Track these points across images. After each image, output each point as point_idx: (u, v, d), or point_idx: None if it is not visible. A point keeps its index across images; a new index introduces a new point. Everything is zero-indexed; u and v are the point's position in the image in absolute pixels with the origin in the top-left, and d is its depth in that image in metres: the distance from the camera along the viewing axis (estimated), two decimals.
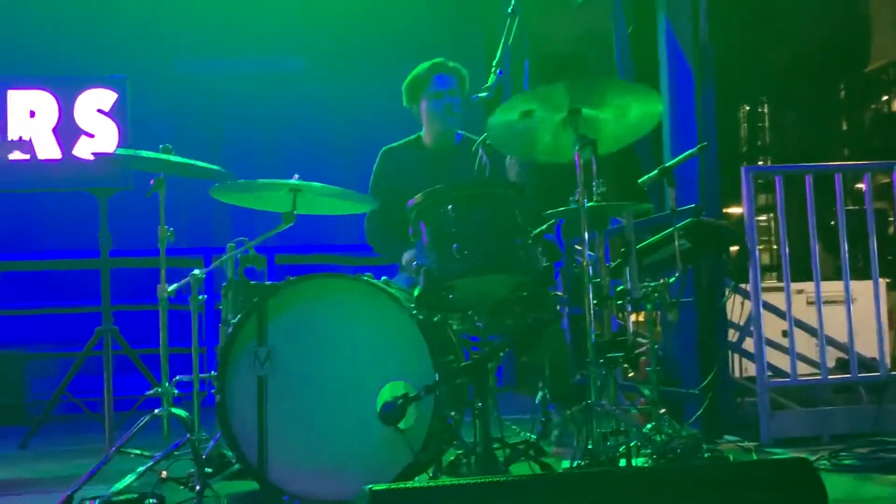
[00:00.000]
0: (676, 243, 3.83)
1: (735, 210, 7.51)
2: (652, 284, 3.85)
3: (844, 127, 13.65)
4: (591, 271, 3.54)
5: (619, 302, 3.74)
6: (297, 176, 3.88)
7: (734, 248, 5.44)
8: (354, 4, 8.12)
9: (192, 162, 4.08)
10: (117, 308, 6.31)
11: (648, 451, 3.65)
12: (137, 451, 4.06)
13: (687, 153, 4.04)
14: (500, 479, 2.54)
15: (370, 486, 2.28)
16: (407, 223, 3.71)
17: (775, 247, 12.36)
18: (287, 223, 3.92)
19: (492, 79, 4.09)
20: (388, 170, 4.70)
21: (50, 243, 7.76)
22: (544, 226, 3.76)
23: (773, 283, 6.22)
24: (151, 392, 4.10)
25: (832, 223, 5.60)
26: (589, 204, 3.56)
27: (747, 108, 14.24)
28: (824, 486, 2.26)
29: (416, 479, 3.56)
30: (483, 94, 4.10)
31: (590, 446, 3.42)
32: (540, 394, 4.05)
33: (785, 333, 5.50)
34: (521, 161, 4.32)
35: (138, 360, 5.93)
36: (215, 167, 4.14)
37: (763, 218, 11.92)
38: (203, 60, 8.43)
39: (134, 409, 6.10)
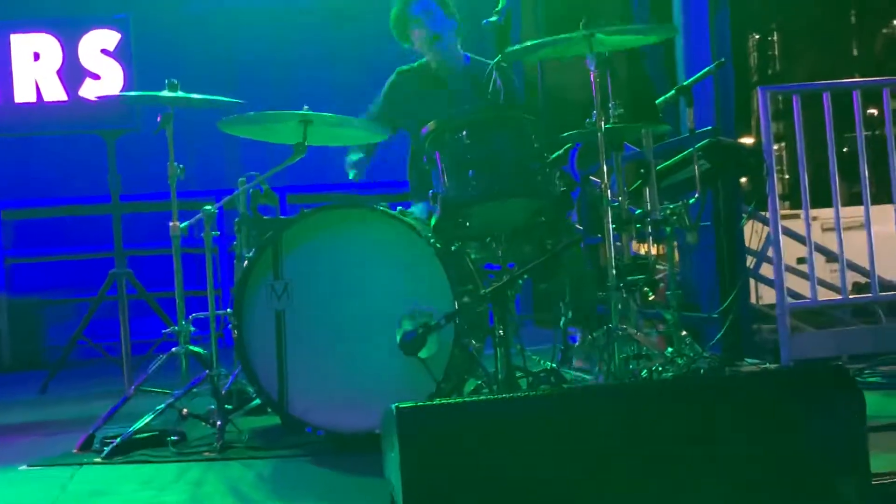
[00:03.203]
0: (696, 164, 3.77)
1: (745, 140, 7.43)
2: (671, 206, 3.79)
3: (855, 52, 13.48)
4: (609, 195, 3.50)
5: (638, 225, 3.68)
6: (306, 107, 3.81)
7: (744, 179, 5.38)
8: None
9: (201, 96, 4.02)
10: (130, 253, 6.30)
11: (670, 373, 3.63)
12: (157, 390, 4.06)
13: (705, 70, 3.97)
14: (525, 394, 2.50)
15: (396, 404, 2.24)
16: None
17: (787, 176, 12.27)
18: (298, 155, 3.85)
19: (502, 3, 4.01)
20: (401, 93, 4.59)
21: (59, 188, 7.71)
22: (561, 150, 3.72)
23: (786, 210, 6.17)
24: (169, 330, 4.09)
25: (844, 149, 5.52)
26: (606, 126, 3.50)
27: (757, 36, 14.06)
28: (862, 393, 2.22)
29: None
30: (494, 19, 4.03)
31: (612, 370, 3.40)
32: (563, 319, 4.01)
33: (800, 260, 5.47)
34: None
35: (154, 302, 5.91)
36: (224, 98, 4.08)
37: (774, 147, 11.81)
38: None
39: (151, 352, 6.10)
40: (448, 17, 4.52)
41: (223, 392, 3.83)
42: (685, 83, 3.85)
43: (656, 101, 3.98)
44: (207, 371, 3.87)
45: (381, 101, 4.64)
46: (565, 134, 3.61)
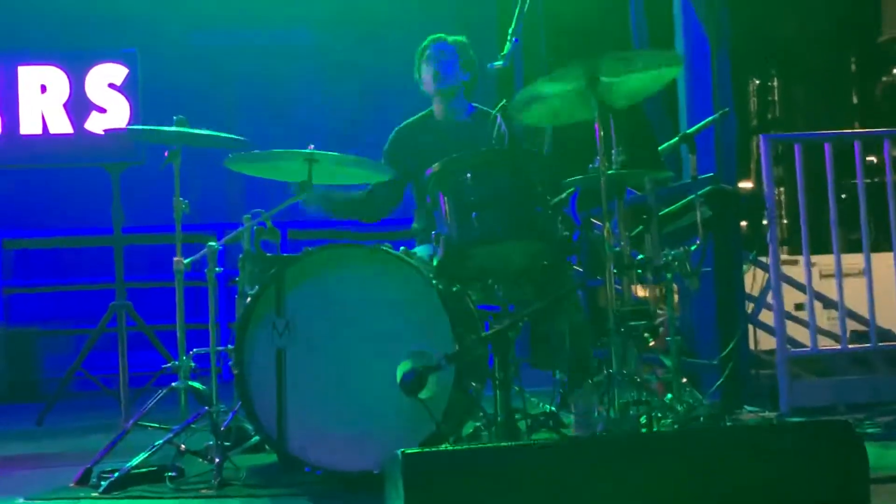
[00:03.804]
0: (698, 211, 3.79)
1: (744, 185, 7.47)
2: (672, 253, 3.81)
3: (855, 100, 13.56)
4: (611, 240, 3.51)
5: (639, 271, 3.70)
6: (312, 146, 3.85)
7: (744, 224, 5.41)
8: None
9: (207, 132, 4.05)
10: (131, 285, 6.30)
11: (670, 420, 3.63)
12: (155, 425, 4.05)
13: (709, 119, 4.00)
14: (530, 443, 2.50)
15: (402, 450, 2.25)
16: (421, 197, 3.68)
17: (786, 220, 12.31)
18: (303, 193, 3.88)
19: (507, 47, 4.05)
20: (402, 149, 4.63)
21: (63, 220, 7.74)
22: (563, 194, 3.74)
23: (784, 256, 6.19)
24: (169, 365, 4.09)
25: (843, 196, 5.55)
26: (609, 172, 3.52)
27: (757, 81, 14.15)
28: (865, 449, 2.23)
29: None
30: (498, 63, 4.06)
31: (612, 415, 3.40)
32: (561, 363, 4.01)
33: (798, 306, 5.48)
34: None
35: (153, 335, 5.91)
36: (232, 136, 4.11)
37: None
38: (215, 34, 8.36)
39: (149, 385, 6.08)
40: (461, 69, 4.56)
41: (222, 429, 3.82)
42: (689, 131, 3.89)
43: (659, 148, 4.01)
44: (207, 407, 3.87)
45: (384, 160, 4.66)
46: (568, 179, 3.62)
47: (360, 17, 8.35)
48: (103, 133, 5.58)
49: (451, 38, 4.64)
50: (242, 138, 4.16)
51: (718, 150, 5.01)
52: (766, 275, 5.09)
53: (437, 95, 4.62)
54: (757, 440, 2.30)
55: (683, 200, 3.99)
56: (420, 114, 4.73)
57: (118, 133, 5.26)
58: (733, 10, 5.24)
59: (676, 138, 3.90)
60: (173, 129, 4.02)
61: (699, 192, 3.87)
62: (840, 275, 4.97)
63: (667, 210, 4.02)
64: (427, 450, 2.31)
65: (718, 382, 4.45)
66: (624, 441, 2.60)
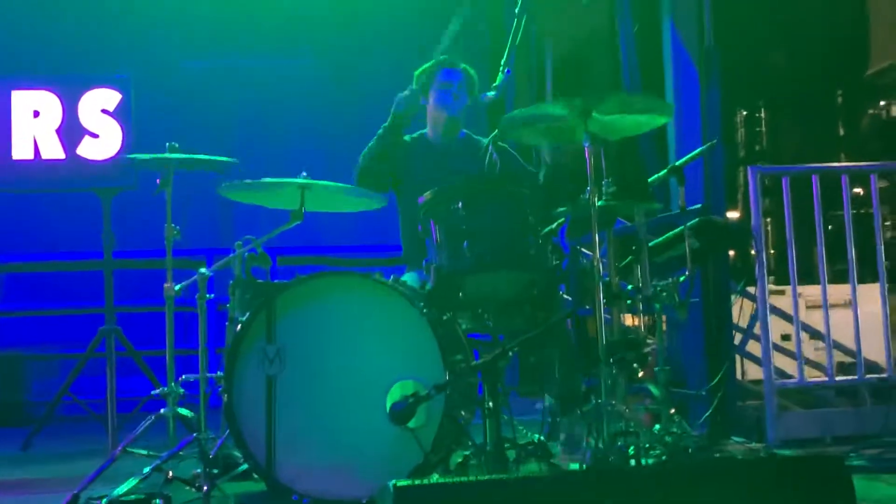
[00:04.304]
0: (687, 242, 3.82)
1: (731, 214, 7.52)
2: (661, 284, 3.83)
3: (842, 132, 13.67)
4: (600, 270, 3.54)
5: (628, 301, 3.72)
6: (305, 173, 3.87)
7: (732, 254, 5.45)
8: (361, 3, 8.10)
9: (201, 156, 4.08)
10: (120, 309, 6.29)
11: (658, 451, 3.64)
12: (143, 452, 4.04)
13: (697, 151, 4.05)
14: (521, 476, 2.52)
15: (394, 482, 2.25)
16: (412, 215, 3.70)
17: (773, 251, 12.37)
18: (295, 220, 3.90)
19: (499, 78, 4.09)
20: (398, 149, 4.62)
21: (54, 244, 7.73)
22: (554, 224, 3.77)
23: (770, 286, 6.22)
24: (157, 391, 4.09)
25: (829, 227, 5.59)
26: (599, 203, 3.56)
27: (745, 113, 14.26)
28: (853, 484, 2.25)
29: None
30: (490, 94, 4.11)
31: (600, 446, 3.41)
32: (547, 397, 4.04)
33: (784, 337, 5.51)
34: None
35: (142, 361, 5.90)
36: (224, 158, 4.13)
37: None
38: (209, 59, 8.41)
39: (136, 411, 6.07)
40: (467, 95, 4.59)
41: (210, 456, 3.82)
42: (677, 163, 3.92)
43: (649, 180, 4.04)
44: (195, 434, 3.87)
45: (376, 148, 4.60)
46: (559, 210, 3.66)
47: (352, 43, 8.43)
48: (96, 159, 5.60)
49: (463, 66, 4.65)
50: (233, 160, 4.18)
51: (707, 182, 5.05)
52: (754, 305, 5.12)
53: (445, 121, 4.62)
54: (743, 474, 2.31)
55: (672, 232, 4.02)
56: (412, 134, 4.73)
57: (111, 158, 5.25)
58: (722, 44, 5.30)
59: (665, 170, 3.93)
60: (166, 155, 4.03)
61: (688, 224, 3.90)
62: (826, 306, 5.00)
63: (656, 241, 4.05)
64: (419, 482, 2.32)
65: (707, 414, 4.48)
66: (612, 474, 2.61)
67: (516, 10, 4.10)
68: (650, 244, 3.93)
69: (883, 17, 11.09)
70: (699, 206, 4.63)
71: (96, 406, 6.12)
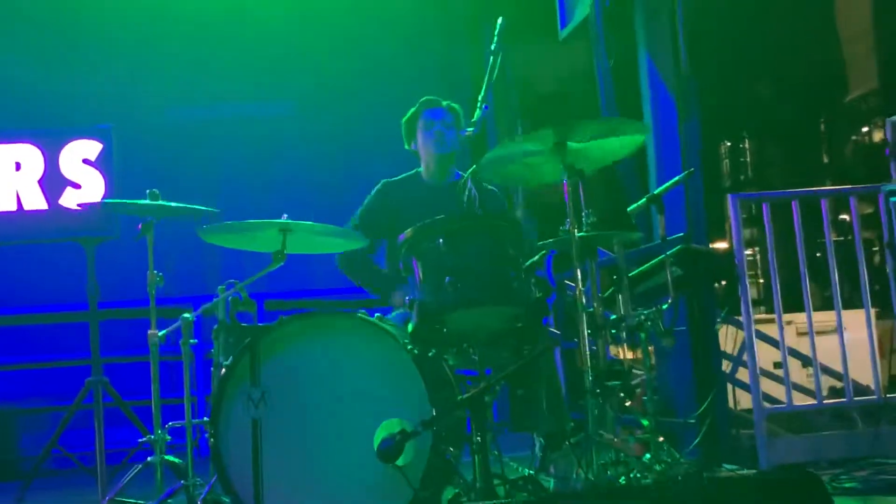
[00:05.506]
0: (668, 270, 3.83)
1: (718, 245, 7.54)
2: (645, 312, 3.84)
3: (825, 160, 13.78)
4: (584, 301, 3.55)
5: (613, 330, 3.72)
6: (285, 216, 3.87)
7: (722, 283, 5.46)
8: (340, 47, 8.15)
9: (178, 204, 4.08)
10: (107, 360, 6.25)
11: (648, 480, 3.62)
12: (131, 501, 4.01)
13: (674, 179, 4.06)
14: None
15: None
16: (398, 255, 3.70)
17: (761, 280, 12.40)
18: (277, 263, 3.89)
19: (477, 114, 4.11)
20: (386, 203, 4.63)
21: (37, 296, 7.70)
22: (536, 257, 3.78)
23: (761, 315, 6.23)
24: (145, 439, 4.06)
25: (817, 255, 5.61)
26: (579, 234, 3.57)
27: (729, 143, 14.38)
28: (832, 499, 2.24)
29: None
30: (470, 129, 4.12)
31: (590, 477, 3.40)
32: (536, 434, 4.03)
33: (775, 364, 5.51)
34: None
35: (129, 411, 5.85)
36: (202, 207, 4.13)
37: (748, 252, 11.99)
38: (190, 108, 8.45)
39: (126, 461, 6.03)
40: (454, 130, 4.60)
41: (198, 502, 3.78)
42: (655, 192, 3.94)
43: (628, 209, 4.06)
44: (182, 481, 3.84)
45: (365, 210, 4.65)
46: (540, 242, 3.67)
47: (335, 87, 8.46)
48: (77, 208, 5.60)
49: (445, 103, 4.67)
50: (214, 209, 4.18)
51: (688, 211, 5.07)
52: (743, 333, 5.12)
53: (435, 160, 4.63)
54: (725, 493, 2.30)
55: (654, 261, 4.03)
56: (407, 173, 4.74)
57: (92, 207, 5.25)
58: (702, 77, 5.34)
59: (644, 199, 3.95)
60: (145, 202, 4.04)
61: (669, 252, 3.91)
62: (812, 332, 5.01)
63: (637, 270, 4.07)
64: None
65: (696, 441, 4.46)
66: (598, 497, 2.60)
67: (492, 48, 4.13)
68: (632, 274, 3.94)
69: (860, 46, 11.23)
70: (681, 234, 4.64)
71: (86, 458, 6.07)
